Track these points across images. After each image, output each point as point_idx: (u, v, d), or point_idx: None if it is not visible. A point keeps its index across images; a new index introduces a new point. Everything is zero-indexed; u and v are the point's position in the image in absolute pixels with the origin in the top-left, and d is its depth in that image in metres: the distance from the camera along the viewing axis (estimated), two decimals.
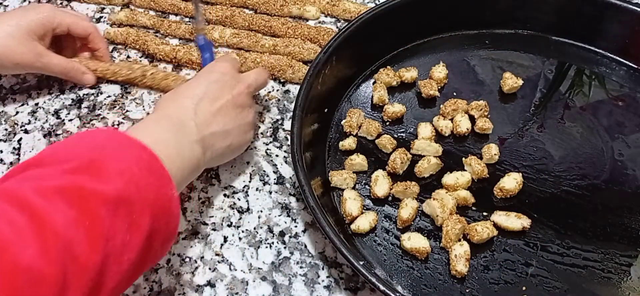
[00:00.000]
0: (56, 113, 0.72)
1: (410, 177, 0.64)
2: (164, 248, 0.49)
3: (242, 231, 0.61)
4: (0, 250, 0.37)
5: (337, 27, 0.82)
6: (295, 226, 0.62)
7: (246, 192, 0.65)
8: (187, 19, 0.84)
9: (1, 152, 0.69)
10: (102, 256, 0.41)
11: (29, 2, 0.86)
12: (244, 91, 0.61)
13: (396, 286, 0.56)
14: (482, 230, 0.58)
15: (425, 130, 0.68)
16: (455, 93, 0.72)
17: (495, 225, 0.60)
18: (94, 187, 0.42)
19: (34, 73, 0.74)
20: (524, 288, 0.56)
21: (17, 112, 0.73)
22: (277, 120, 0.71)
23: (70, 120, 0.72)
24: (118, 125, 0.71)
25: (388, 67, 0.74)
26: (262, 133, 0.70)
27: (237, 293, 0.57)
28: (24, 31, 0.67)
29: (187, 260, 0.60)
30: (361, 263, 0.53)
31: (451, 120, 0.69)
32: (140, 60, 0.78)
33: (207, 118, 0.57)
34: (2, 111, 0.73)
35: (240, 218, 0.62)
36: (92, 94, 0.74)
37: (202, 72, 0.63)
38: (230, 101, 0.60)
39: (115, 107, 0.73)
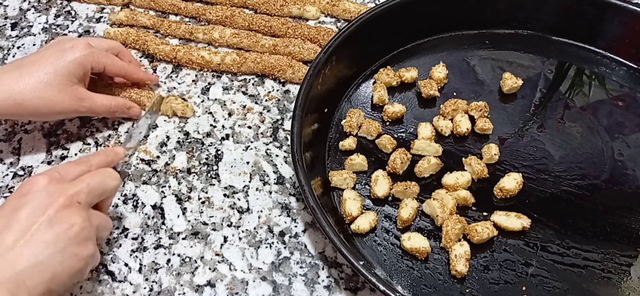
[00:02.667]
0: None
1: (410, 177, 0.64)
2: None
3: (242, 232, 0.61)
4: None
5: (337, 27, 0.82)
6: (295, 227, 0.62)
7: (246, 192, 0.65)
8: (187, 19, 0.84)
9: (1, 152, 0.69)
10: None
11: (52, 38, 0.83)
12: (64, 204, 0.50)
13: (396, 286, 0.56)
14: (482, 230, 0.58)
15: (425, 130, 0.68)
16: (455, 93, 0.72)
17: (495, 225, 0.60)
18: None
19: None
20: (524, 288, 0.56)
21: None
22: (277, 120, 0.71)
23: (70, 120, 0.72)
24: (118, 125, 0.71)
25: (388, 67, 0.74)
26: (262, 133, 0.70)
27: (237, 293, 0.57)
28: (63, 77, 0.62)
29: (187, 260, 0.60)
30: (361, 263, 0.53)
31: (451, 120, 0.69)
32: (140, 60, 0.78)
33: (10, 254, 0.47)
34: None
35: (240, 218, 0.62)
36: None
37: (11, 196, 0.51)
38: (44, 224, 0.48)
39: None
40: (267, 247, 0.60)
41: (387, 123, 0.70)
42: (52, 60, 0.63)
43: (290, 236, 0.61)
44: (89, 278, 0.58)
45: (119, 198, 0.64)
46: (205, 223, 0.62)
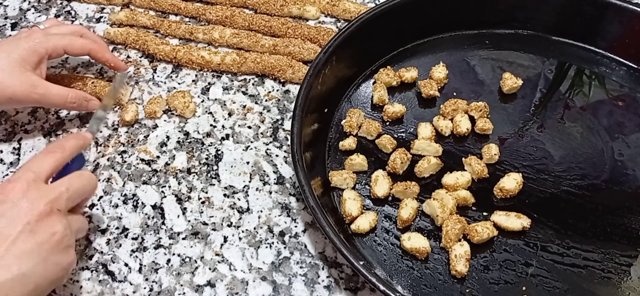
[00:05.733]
0: (56, 113, 0.72)
1: (410, 177, 0.64)
2: None
3: (242, 232, 0.61)
4: None
5: (337, 27, 0.82)
6: (295, 227, 0.62)
7: (246, 192, 0.65)
8: (187, 19, 0.84)
9: (1, 152, 0.69)
10: None
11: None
12: (45, 211, 0.48)
13: (396, 286, 0.56)
14: (482, 230, 0.58)
15: (425, 130, 0.68)
16: (455, 93, 0.72)
17: (495, 225, 0.60)
18: None
19: (31, 106, 0.70)
20: (524, 288, 0.56)
21: (17, 112, 0.72)
22: (277, 120, 0.71)
23: (70, 120, 0.72)
24: (118, 125, 0.71)
25: (388, 67, 0.74)
26: (262, 133, 0.70)
27: (237, 293, 0.57)
28: (16, 63, 0.62)
29: (187, 260, 0.60)
30: (361, 263, 0.53)
31: (451, 120, 0.69)
32: (140, 60, 0.78)
33: None
34: (2, 111, 0.73)
35: (240, 218, 0.62)
36: None
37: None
38: (25, 234, 0.47)
39: (115, 106, 0.73)
40: (267, 247, 0.60)
41: (387, 123, 0.70)
42: (5, 47, 0.63)
43: (290, 236, 0.61)
44: (89, 278, 0.58)
45: (119, 198, 0.64)
46: (205, 223, 0.62)
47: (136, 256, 0.60)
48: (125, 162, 0.67)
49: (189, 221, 0.62)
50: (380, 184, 0.62)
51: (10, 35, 0.82)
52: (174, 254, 0.60)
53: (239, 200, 0.64)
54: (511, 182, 0.63)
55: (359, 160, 0.64)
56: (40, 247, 0.47)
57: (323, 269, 0.59)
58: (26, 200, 0.48)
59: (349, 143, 0.67)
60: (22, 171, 0.51)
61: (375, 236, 0.60)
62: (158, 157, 0.68)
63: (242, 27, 0.81)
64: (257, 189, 0.65)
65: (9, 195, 0.49)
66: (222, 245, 0.61)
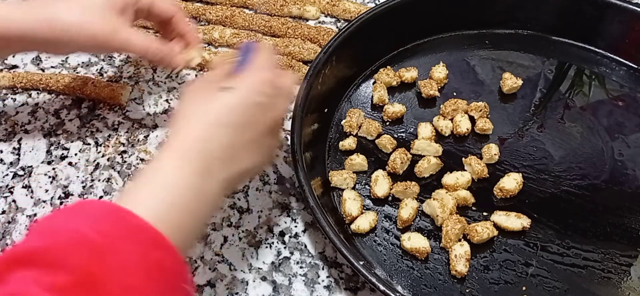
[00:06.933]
0: (56, 113, 0.72)
1: (410, 177, 0.64)
2: None
3: (242, 232, 0.61)
4: None
5: (337, 27, 0.82)
6: (295, 227, 0.62)
7: (246, 192, 0.65)
8: (187, 19, 0.83)
9: (1, 152, 0.69)
10: None
11: None
12: (281, 117, 0.52)
13: (396, 286, 0.56)
14: (482, 230, 0.58)
15: (425, 130, 0.68)
16: (455, 93, 0.72)
17: (495, 225, 0.60)
18: None
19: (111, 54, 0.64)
20: (524, 288, 0.56)
21: (17, 112, 0.73)
22: None
23: (70, 120, 0.72)
24: (118, 125, 0.71)
25: (388, 67, 0.74)
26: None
27: (237, 293, 0.57)
28: (102, 4, 0.58)
29: (187, 260, 0.60)
30: (361, 263, 0.53)
31: (451, 120, 0.69)
32: (140, 60, 0.78)
33: (238, 154, 0.47)
34: (2, 111, 0.73)
35: (240, 218, 0.62)
36: None
37: (245, 87, 0.49)
38: (263, 131, 0.49)
39: (115, 107, 0.73)
40: (267, 247, 0.60)
41: (387, 123, 0.70)
42: None
43: (290, 236, 0.61)
44: None
45: None
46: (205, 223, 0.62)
47: None
48: (125, 162, 0.67)
49: None
50: (380, 184, 0.62)
51: None
52: None
53: (239, 200, 0.64)
54: (511, 182, 0.63)
55: (359, 160, 0.64)
56: (266, 146, 0.51)
57: (323, 269, 0.59)
58: (273, 96, 0.50)
59: (349, 143, 0.67)
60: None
61: (375, 236, 0.60)
62: None
63: (242, 27, 0.81)
64: (257, 189, 0.65)
65: (258, 80, 0.50)
66: (222, 245, 0.60)
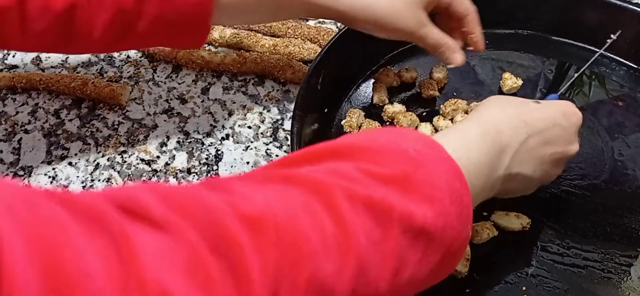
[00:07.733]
0: (56, 113, 0.72)
1: None
2: (429, 285, 0.44)
3: None
4: (306, 257, 0.34)
5: (337, 27, 0.82)
6: None
7: None
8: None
9: (1, 152, 0.69)
10: (388, 286, 0.37)
11: None
12: (570, 154, 0.55)
13: None
14: (482, 230, 0.58)
15: (425, 130, 0.68)
16: (455, 93, 0.72)
17: (495, 225, 0.60)
18: (404, 209, 0.38)
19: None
20: (524, 288, 0.56)
21: (17, 112, 0.73)
22: (277, 120, 0.71)
23: (70, 120, 0.72)
24: (118, 125, 0.71)
25: (388, 67, 0.74)
26: (262, 133, 0.70)
27: None
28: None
29: None
30: None
31: (451, 120, 0.69)
32: (140, 60, 0.78)
33: (526, 156, 0.51)
34: (2, 111, 0.73)
35: None
36: None
37: (551, 107, 0.55)
38: (556, 155, 0.53)
39: (115, 106, 0.73)
40: None
41: (387, 123, 0.70)
42: None
43: None
44: None
45: None
46: None
47: None
48: (125, 162, 0.67)
49: None
50: None
51: None
52: None
53: None
54: None
55: None
56: (548, 171, 0.54)
57: None
58: (573, 133, 0.55)
59: None
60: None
61: None
62: (158, 157, 0.68)
63: (242, 27, 0.81)
64: None
65: (566, 112, 0.55)
66: None
